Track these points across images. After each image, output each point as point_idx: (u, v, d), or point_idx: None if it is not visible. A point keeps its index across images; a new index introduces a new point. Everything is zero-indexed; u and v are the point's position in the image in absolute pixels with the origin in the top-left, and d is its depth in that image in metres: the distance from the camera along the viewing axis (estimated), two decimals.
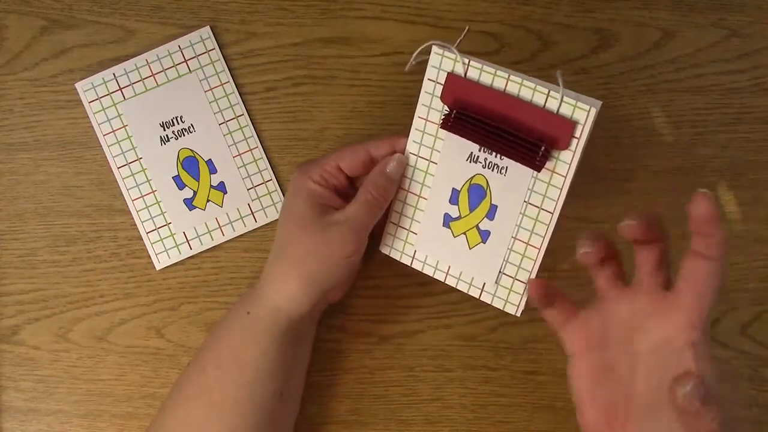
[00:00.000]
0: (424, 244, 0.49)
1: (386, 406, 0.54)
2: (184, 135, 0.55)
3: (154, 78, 0.55)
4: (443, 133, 0.46)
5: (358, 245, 0.46)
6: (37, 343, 0.54)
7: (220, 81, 0.55)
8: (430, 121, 0.46)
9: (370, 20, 0.56)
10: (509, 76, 0.44)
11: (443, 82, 0.45)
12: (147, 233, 0.55)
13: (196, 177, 0.55)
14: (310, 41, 0.56)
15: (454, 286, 0.49)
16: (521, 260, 0.48)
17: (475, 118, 0.45)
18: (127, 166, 0.55)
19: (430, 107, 0.46)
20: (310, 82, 0.56)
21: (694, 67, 0.56)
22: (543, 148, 0.44)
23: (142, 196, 0.55)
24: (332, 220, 0.46)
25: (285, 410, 0.49)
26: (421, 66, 0.56)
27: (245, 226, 0.55)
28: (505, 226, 0.47)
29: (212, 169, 0.55)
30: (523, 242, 0.47)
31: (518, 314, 0.49)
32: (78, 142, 0.55)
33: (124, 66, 0.55)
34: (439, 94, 0.45)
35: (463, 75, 0.45)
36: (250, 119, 0.56)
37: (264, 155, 0.55)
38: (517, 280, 0.48)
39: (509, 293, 0.48)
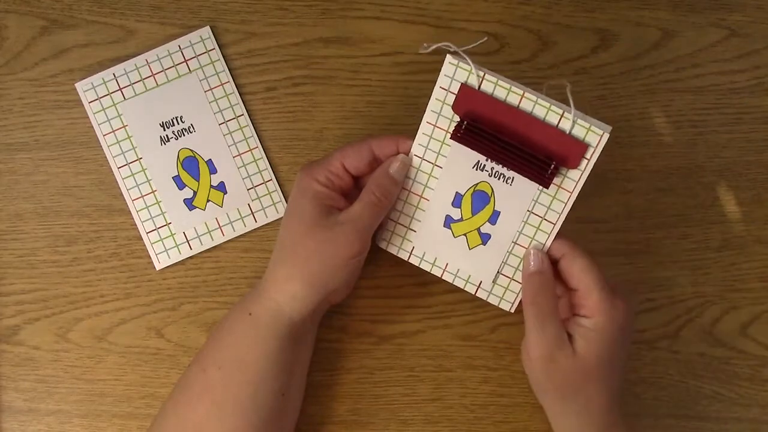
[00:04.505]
0: (423, 242, 0.49)
1: (386, 406, 0.54)
2: (184, 135, 0.55)
3: (154, 78, 0.55)
4: (450, 140, 0.46)
5: (362, 246, 0.46)
6: (37, 343, 0.54)
7: (220, 81, 0.55)
8: (438, 128, 0.47)
9: (370, 20, 0.56)
10: (524, 93, 0.44)
11: (456, 92, 0.45)
12: (147, 233, 0.55)
13: (196, 177, 0.55)
14: (310, 41, 0.56)
15: (450, 281, 0.50)
16: (519, 264, 0.48)
17: (485, 131, 0.45)
18: (127, 166, 0.55)
19: (439, 114, 0.46)
20: (310, 82, 0.56)
21: (694, 67, 0.56)
22: (553, 165, 0.45)
23: (142, 196, 0.55)
24: (336, 220, 0.46)
25: (286, 410, 0.49)
26: (423, 65, 0.56)
27: (245, 226, 0.55)
28: (506, 231, 0.48)
29: (212, 169, 0.55)
30: (524, 247, 0.48)
31: (512, 311, 0.50)
32: (78, 142, 0.55)
33: (124, 66, 0.55)
34: (451, 103, 0.46)
35: (476, 87, 0.45)
36: (250, 119, 0.56)
37: (264, 155, 0.55)
38: (513, 280, 0.49)
39: (505, 291, 0.49)
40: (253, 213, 0.55)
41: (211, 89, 0.55)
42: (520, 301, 0.49)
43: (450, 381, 0.55)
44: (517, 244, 0.48)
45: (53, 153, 0.55)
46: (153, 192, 0.55)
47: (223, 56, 0.56)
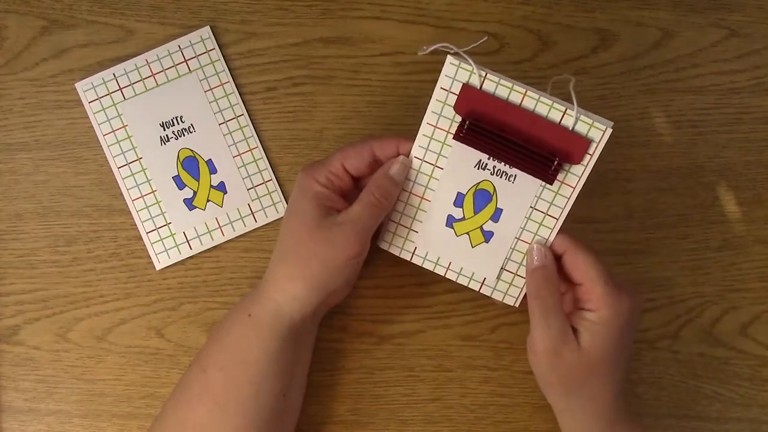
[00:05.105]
0: (425, 242, 0.49)
1: (386, 406, 0.54)
2: (184, 135, 0.55)
3: (154, 78, 0.55)
4: (452, 140, 0.46)
5: (362, 247, 0.46)
6: (37, 343, 0.54)
7: (220, 81, 0.55)
8: (439, 128, 0.47)
9: (370, 20, 0.56)
10: (526, 91, 0.45)
11: (457, 93, 0.45)
12: (147, 233, 0.55)
13: (196, 177, 0.55)
14: (310, 41, 0.56)
15: (454, 280, 0.50)
16: (523, 258, 0.48)
17: (488, 130, 0.45)
18: (127, 166, 0.55)
19: (440, 115, 0.46)
20: (310, 82, 0.56)
21: (694, 67, 0.57)
22: (556, 162, 0.45)
23: (142, 196, 0.55)
24: (336, 221, 0.46)
25: (287, 410, 0.49)
26: (422, 65, 0.56)
27: (245, 226, 0.55)
28: (509, 228, 0.48)
29: (212, 169, 0.55)
30: (527, 243, 0.48)
31: (517, 305, 0.50)
32: (78, 142, 0.55)
33: (124, 66, 0.55)
34: (452, 104, 0.46)
35: (478, 87, 0.45)
36: (250, 119, 0.56)
37: (264, 155, 0.55)
38: (517, 275, 0.49)
39: (509, 287, 0.49)
40: (253, 213, 0.55)
41: (211, 89, 0.55)
42: (525, 297, 0.49)
43: (450, 381, 0.55)
44: (521, 240, 0.48)
45: (53, 153, 0.55)
46: (153, 192, 0.55)
47: (223, 56, 0.56)
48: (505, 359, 0.55)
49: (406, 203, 0.49)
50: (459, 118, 0.46)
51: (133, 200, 0.55)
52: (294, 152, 0.56)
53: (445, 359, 0.55)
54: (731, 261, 0.56)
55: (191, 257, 0.55)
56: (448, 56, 0.45)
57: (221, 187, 0.55)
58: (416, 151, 0.48)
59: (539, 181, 0.46)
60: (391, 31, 0.56)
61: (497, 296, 0.50)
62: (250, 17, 0.56)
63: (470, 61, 0.45)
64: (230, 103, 0.55)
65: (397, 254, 0.50)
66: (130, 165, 0.55)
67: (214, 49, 0.55)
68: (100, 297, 0.55)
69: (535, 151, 0.45)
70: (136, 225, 0.55)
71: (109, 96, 0.55)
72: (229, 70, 0.55)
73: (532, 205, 0.47)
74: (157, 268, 0.55)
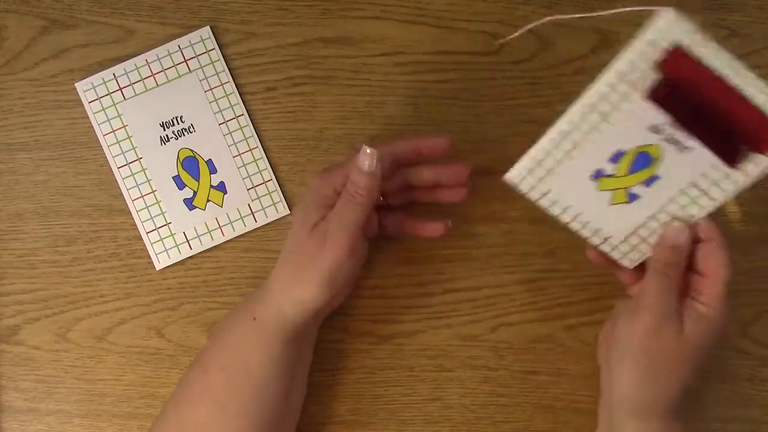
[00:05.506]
0: (561, 188, 0.47)
1: (386, 406, 0.54)
2: (184, 135, 0.55)
3: (154, 78, 0.55)
4: (635, 97, 0.44)
5: (349, 244, 0.46)
6: (37, 343, 0.54)
7: (220, 81, 0.55)
8: (626, 82, 0.44)
9: (370, 20, 0.56)
10: (738, 68, 0.42)
11: (662, 49, 0.43)
12: (147, 233, 0.55)
13: (196, 177, 0.55)
14: (310, 41, 0.56)
15: (576, 230, 0.48)
16: (658, 227, 0.47)
17: (688, 98, 0.43)
18: (127, 166, 0.55)
19: (634, 67, 0.44)
20: (310, 82, 0.56)
21: None
22: (746, 147, 0.43)
23: (142, 196, 0.55)
24: (327, 221, 0.46)
25: (289, 412, 0.49)
26: (422, 65, 0.56)
27: (245, 226, 0.55)
28: (658, 196, 0.47)
29: (212, 169, 0.55)
30: (672, 215, 0.47)
31: (631, 267, 0.49)
32: (78, 142, 0.55)
33: (124, 66, 0.55)
34: (652, 59, 0.43)
35: (690, 50, 0.42)
36: (250, 119, 0.56)
37: (264, 155, 0.55)
38: (645, 242, 0.48)
39: (632, 250, 0.48)
40: (253, 213, 0.55)
41: (211, 89, 0.55)
42: (641, 264, 0.49)
43: (450, 381, 0.55)
44: (665, 211, 0.47)
45: (53, 153, 0.55)
46: (153, 192, 0.55)
47: (223, 56, 0.56)
48: (505, 359, 0.55)
49: (557, 147, 0.46)
50: (654, 76, 0.44)
51: (133, 200, 0.55)
52: (294, 152, 0.56)
53: (445, 359, 0.55)
54: (731, 261, 0.56)
55: (191, 257, 0.55)
56: (666, 10, 0.42)
57: (221, 187, 0.55)
58: (591, 97, 0.45)
59: (713, 159, 0.44)
60: (391, 31, 0.56)
61: (616, 255, 0.49)
62: (250, 17, 0.56)
63: (694, 22, 0.42)
64: (230, 103, 0.55)
65: (526, 191, 0.48)
66: (130, 165, 0.55)
67: (214, 49, 0.55)
68: (100, 297, 0.55)
69: (729, 131, 0.43)
70: (136, 225, 0.55)
71: (109, 96, 0.55)
72: (229, 70, 0.56)
73: (694, 181, 0.46)
74: (157, 268, 0.55)
